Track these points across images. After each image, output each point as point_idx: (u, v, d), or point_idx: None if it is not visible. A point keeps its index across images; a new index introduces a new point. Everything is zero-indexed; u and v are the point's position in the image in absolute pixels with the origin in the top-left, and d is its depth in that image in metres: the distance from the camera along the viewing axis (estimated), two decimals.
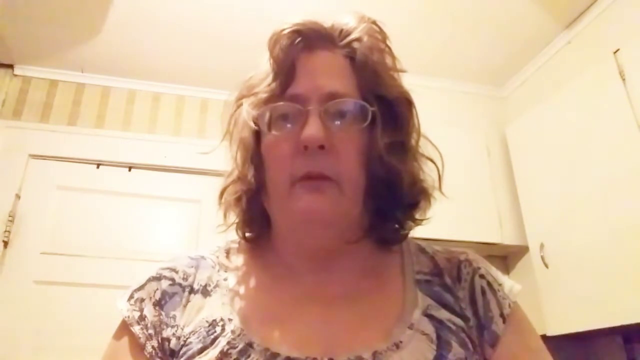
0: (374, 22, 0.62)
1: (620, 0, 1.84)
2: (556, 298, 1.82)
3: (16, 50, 2.17)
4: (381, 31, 0.62)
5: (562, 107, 1.90)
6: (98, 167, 2.22)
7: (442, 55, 2.23)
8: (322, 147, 0.53)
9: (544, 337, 1.74)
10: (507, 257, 2.28)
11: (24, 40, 2.12)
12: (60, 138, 2.20)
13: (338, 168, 0.54)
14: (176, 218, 2.22)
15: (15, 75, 2.27)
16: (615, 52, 1.67)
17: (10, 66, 2.26)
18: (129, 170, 2.24)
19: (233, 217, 0.63)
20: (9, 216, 2.02)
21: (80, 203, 2.14)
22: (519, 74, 2.34)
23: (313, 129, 0.53)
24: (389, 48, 0.62)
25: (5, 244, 1.99)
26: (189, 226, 2.19)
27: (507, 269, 2.27)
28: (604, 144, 1.69)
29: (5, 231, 2.00)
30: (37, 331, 1.90)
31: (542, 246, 1.90)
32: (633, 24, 1.76)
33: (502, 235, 2.09)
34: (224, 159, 0.64)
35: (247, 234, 0.64)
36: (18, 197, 2.07)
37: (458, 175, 2.05)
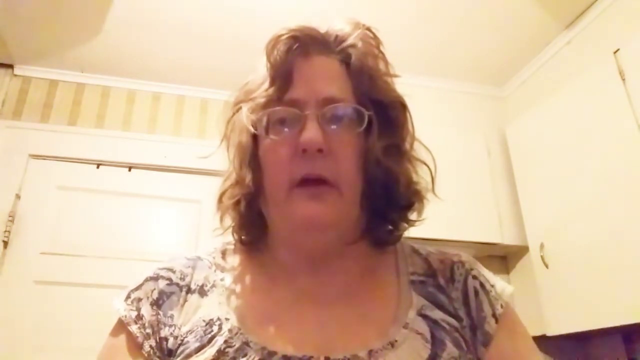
0: (368, 29, 0.62)
1: (620, 0, 1.84)
2: (556, 298, 1.82)
3: (16, 50, 2.17)
4: (375, 37, 0.62)
5: (562, 107, 1.90)
6: (98, 167, 2.22)
7: (442, 55, 2.23)
8: (320, 150, 0.54)
9: (544, 337, 1.75)
10: (507, 257, 2.28)
11: (24, 40, 2.12)
12: (60, 138, 2.21)
13: (336, 171, 0.55)
14: (176, 218, 2.22)
15: (15, 75, 2.27)
16: (615, 52, 1.67)
17: (10, 66, 2.26)
18: (129, 170, 2.25)
19: (229, 221, 0.63)
20: (9, 216, 2.02)
21: (80, 203, 2.14)
22: (519, 74, 2.34)
23: (311, 133, 0.54)
24: (383, 54, 0.63)
25: (5, 244, 1.99)
26: (189, 226, 2.19)
27: (507, 269, 2.27)
28: (604, 144, 1.69)
29: (5, 231, 2.00)
30: (37, 331, 1.90)
31: (542, 246, 1.90)
32: (633, 24, 1.76)
33: (502, 235, 2.09)
34: (224, 159, 0.64)
35: (243, 237, 0.65)
36: (18, 197, 2.08)
37: (458, 175, 2.08)
